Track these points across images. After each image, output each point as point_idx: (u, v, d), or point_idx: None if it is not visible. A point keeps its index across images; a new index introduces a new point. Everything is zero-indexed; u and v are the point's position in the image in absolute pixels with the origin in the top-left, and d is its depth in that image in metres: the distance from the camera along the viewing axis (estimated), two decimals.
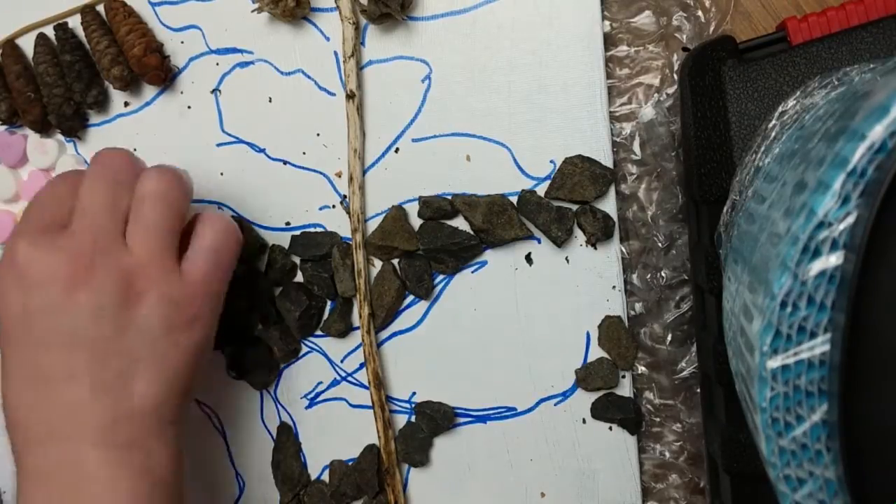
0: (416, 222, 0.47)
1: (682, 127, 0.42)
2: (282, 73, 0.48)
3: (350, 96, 0.46)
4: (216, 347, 0.49)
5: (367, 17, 0.45)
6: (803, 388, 0.23)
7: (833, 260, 0.22)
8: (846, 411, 0.22)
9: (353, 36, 0.45)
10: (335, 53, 0.47)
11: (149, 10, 0.50)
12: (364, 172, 0.47)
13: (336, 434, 0.50)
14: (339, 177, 0.48)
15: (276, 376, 0.51)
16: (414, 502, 0.49)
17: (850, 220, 0.22)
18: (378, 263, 0.48)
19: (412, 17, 0.45)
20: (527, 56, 0.44)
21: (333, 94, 0.47)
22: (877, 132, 0.22)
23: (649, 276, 0.45)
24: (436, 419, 0.47)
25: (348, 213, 0.47)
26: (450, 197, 0.46)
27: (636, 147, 0.45)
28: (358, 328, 0.48)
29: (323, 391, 0.50)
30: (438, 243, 0.45)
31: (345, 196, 0.48)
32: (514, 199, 0.45)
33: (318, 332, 0.49)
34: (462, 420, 0.48)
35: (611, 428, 0.46)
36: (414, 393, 0.48)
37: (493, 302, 0.47)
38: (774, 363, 0.23)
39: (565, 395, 0.46)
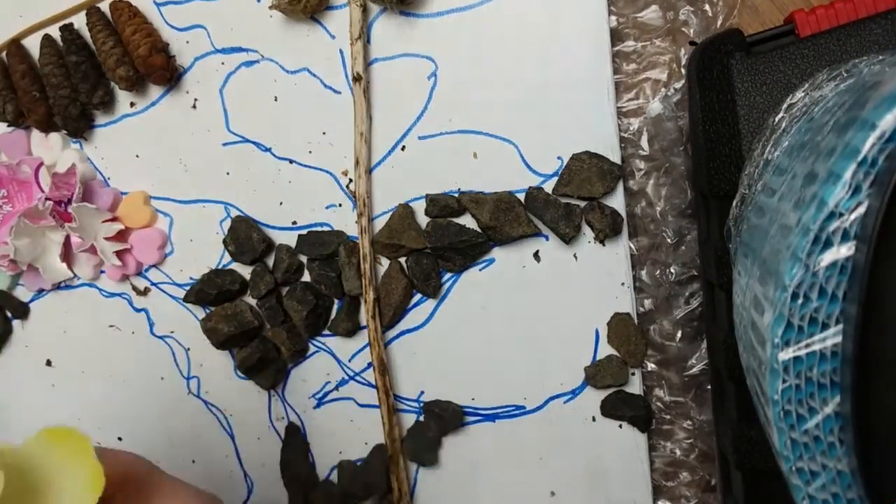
0: (424, 220, 0.47)
1: (690, 121, 0.42)
2: (287, 71, 0.48)
3: (356, 79, 0.45)
4: (224, 348, 0.50)
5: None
6: (815, 380, 0.22)
7: (844, 250, 0.22)
8: (859, 403, 0.21)
9: (360, 18, 0.45)
10: (340, 52, 0.47)
11: (154, 10, 0.50)
12: (370, 163, 0.47)
13: (344, 434, 0.50)
14: (346, 175, 0.48)
15: (283, 376, 0.50)
16: (423, 501, 0.49)
17: (862, 210, 0.21)
18: (385, 262, 0.47)
19: (417, 13, 0.45)
20: (533, 52, 0.44)
21: (339, 93, 0.47)
22: (887, 121, 0.21)
23: (658, 272, 0.45)
24: (444, 418, 0.47)
25: (354, 196, 0.47)
26: (457, 194, 0.46)
27: (644, 142, 0.45)
28: (365, 327, 0.48)
29: (331, 391, 0.50)
30: (446, 241, 0.45)
31: (350, 179, 0.48)
32: (521, 196, 0.45)
33: (326, 332, 0.49)
34: (471, 419, 0.48)
35: (621, 426, 0.45)
36: (422, 392, 0.48)
37: (501, 300, 0.46)
38: (786, 355, 0.23)
39: (574, 392, 0.46)
